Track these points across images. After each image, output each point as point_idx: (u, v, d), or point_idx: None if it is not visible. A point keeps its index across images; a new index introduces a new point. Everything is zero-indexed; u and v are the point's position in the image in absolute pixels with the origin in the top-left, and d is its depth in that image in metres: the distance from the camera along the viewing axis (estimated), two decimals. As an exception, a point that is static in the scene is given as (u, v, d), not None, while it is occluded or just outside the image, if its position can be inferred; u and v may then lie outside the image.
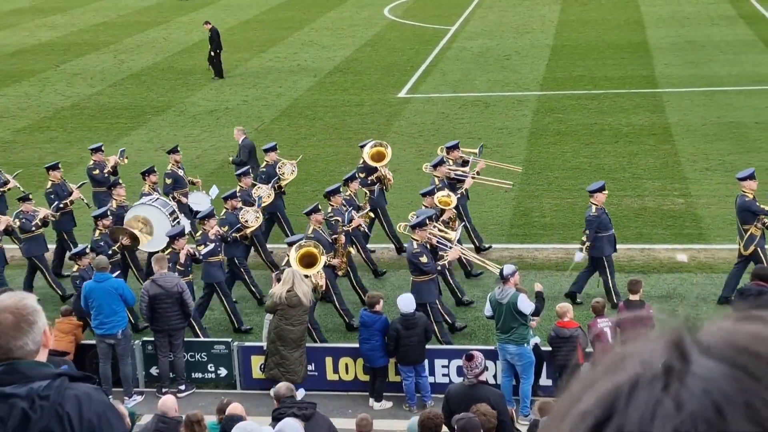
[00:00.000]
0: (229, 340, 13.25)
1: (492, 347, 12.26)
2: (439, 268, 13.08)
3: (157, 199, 15.33)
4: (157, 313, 12.57)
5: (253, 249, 15.36)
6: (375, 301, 12.12)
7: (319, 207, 14.21)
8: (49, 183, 16.33)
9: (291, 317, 12.09)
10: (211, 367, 13.17)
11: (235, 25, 39.85)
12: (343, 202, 14.72)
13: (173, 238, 13.57)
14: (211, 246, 13.80)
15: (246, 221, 14.45)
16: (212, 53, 29.81)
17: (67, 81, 31.14)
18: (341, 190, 15.04)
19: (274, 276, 12.94)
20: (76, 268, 13.40)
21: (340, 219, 14.16)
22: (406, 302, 11.96)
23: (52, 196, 15.96)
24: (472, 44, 34.27)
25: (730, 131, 22.01)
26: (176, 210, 15.28)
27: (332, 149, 22.93)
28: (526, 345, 11.72)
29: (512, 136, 23.07)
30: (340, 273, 13.88)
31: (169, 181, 16.63)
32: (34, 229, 15.08)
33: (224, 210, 14.84)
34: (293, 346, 12.18)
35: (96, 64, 33.49)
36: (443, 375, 12.43)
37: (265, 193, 15.50)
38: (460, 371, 11.57)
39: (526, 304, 11.63)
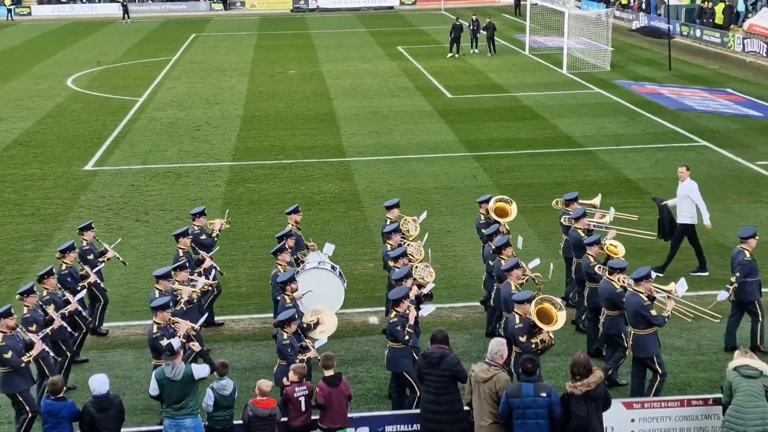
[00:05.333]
0: None
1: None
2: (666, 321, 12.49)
3: (323, 262, 15.29)
4: None
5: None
6: (59, 388, 11.25)
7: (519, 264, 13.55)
8: (181, 252, 15.25)
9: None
10: None
11: None
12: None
13: (397, 302, 12.44)
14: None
15: (422, 277, 13.98)
16: None
17: None
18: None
19: None
20: (286, 336, 12.17)
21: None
22: (100, 382, 11.24)
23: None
24: (162, 115, 33.83)
25: (413, 196, 23.15)
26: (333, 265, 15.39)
27: (12, 227, 21.55)
28: (198, 416, 11.45)
29: (206, 207, 22.78)
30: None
31: (291, 243, 15.25)
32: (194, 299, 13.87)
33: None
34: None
35: None
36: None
37: (416, 249, 15.02)
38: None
39: (200, 370, 11.44)
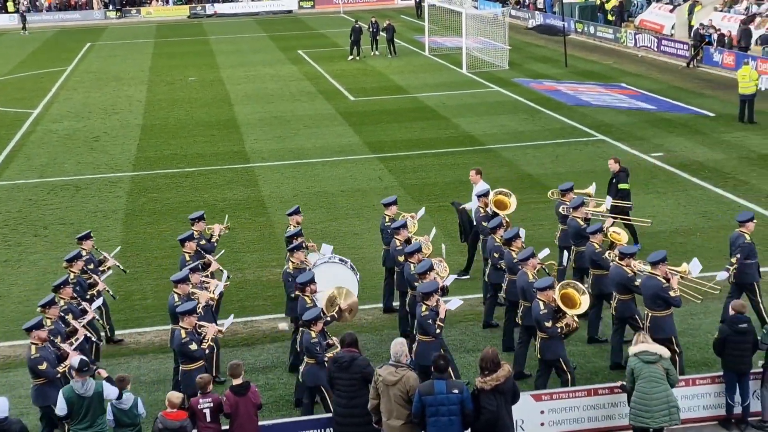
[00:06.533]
0: None
1: None
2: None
3: (332, 256, 15.31)
4: None
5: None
6: None
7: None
8: (187, 256, 15.07)
9: None
10: None
11: None
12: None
13: (427, 296, 12.41)
14: None
15: (437, 273, 13.80)
16: None
17: None
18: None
19: None
20: (313, 334, 12.01)
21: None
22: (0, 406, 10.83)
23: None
24: (58, 126, 33.03)
25: (319, 200, 23.11)
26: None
27: None
28: None
29: (107, 219, 22.40)
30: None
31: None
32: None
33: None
34: None
35: None
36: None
37: (425, 245, 15.01)
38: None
39: (111, 389, 11.19)
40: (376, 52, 47.49)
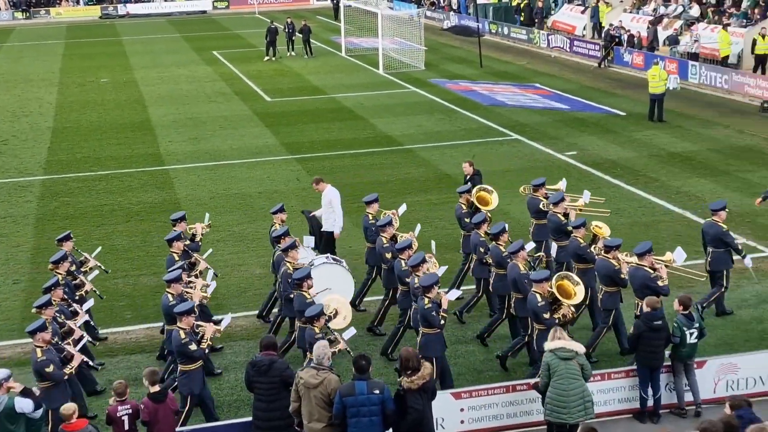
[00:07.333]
0: None
1: None
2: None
3: (328, 256, 15.69)
4: None
5: None
6: None
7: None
8: (176, 256, 14.85)
9: None
10: None
11: None
12: None
13: (428, 288, 12.49)
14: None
15: (427, 269, 13.79)
16: None
17: None
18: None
19: None
20: (317, 329, 11.91)
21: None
22: None
23: None
24: (-35, 130, 32.07)
25: (237, 202, 22.91)
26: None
27: None
28: None
29: (17, 224, 21.84)
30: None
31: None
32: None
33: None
34: None
35: None
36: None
37: (412, 240, 14.88)
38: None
39: (25, 402, 10.87)
40: (293, 53, 47.32)
